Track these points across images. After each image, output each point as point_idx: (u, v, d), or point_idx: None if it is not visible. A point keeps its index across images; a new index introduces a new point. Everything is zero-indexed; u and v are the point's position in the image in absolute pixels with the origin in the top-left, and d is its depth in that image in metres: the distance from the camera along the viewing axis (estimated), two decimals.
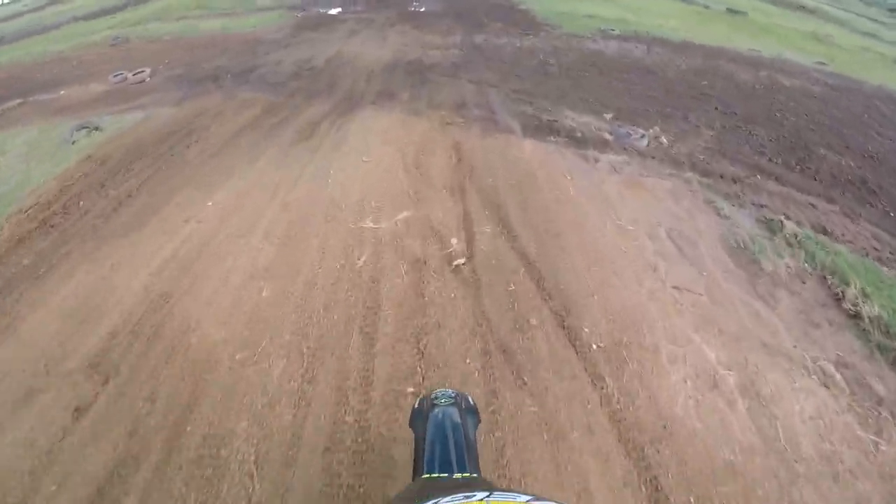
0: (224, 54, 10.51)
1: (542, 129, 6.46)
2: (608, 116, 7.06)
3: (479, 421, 1.50)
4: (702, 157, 6.26)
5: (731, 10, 16.21)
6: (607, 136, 6.34)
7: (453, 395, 1.46)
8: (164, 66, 10.00)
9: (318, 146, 5.92)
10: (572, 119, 6.86)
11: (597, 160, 5.68)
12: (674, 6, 17.49)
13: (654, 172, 5.60)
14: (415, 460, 1.28)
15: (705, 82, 9.13)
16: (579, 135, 6.29)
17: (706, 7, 16.69)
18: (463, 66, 9.12)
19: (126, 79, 9.33)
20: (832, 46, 13.46)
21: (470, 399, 1.52)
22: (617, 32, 12.53)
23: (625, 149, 6.05)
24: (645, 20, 14.32)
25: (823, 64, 11.19)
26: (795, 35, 14.27)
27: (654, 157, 5.97)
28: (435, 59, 9.50)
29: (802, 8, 20.79)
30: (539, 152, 5.79)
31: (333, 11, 15.10)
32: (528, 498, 0.70)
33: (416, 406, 1.50)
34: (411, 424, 1.46)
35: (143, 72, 9.50)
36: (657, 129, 6.82)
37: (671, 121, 7.22)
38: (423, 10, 15.55)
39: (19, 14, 18.83)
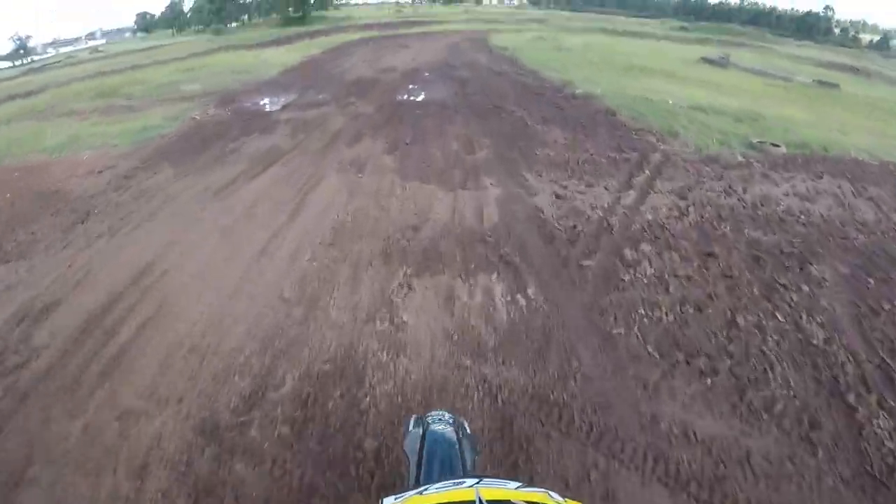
0: None
1: None
2: None
3: (479, 452, 1.31)
4: None
5: (821, 83, 12.21)
6: None
7: (450, 419, 1.23)
8: None
9: None
10: None
11: None
12: (751, 81, 11.92)
13: None
14: (409, 483, 1.05)
15: None
16: None
17: (786, 80, 12.20)
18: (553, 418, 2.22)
19: None
20: None
21: (467, 426, 1.25)
22: (783, 150, 5.83)
23: None
24: (759, 109, 7.89)
25: None
26: None
27: None
28: (427, 338, 2.62)
29: (856, 70, 16.92)
30: None
31: (273, 105, 8.54)
32: (517, 485, 0.67)
33: (410, 427, 1.24)
34: (405, 446, 1.22)
35: None
36: None
37: None
38: (420, 99, 8.96)
39: None
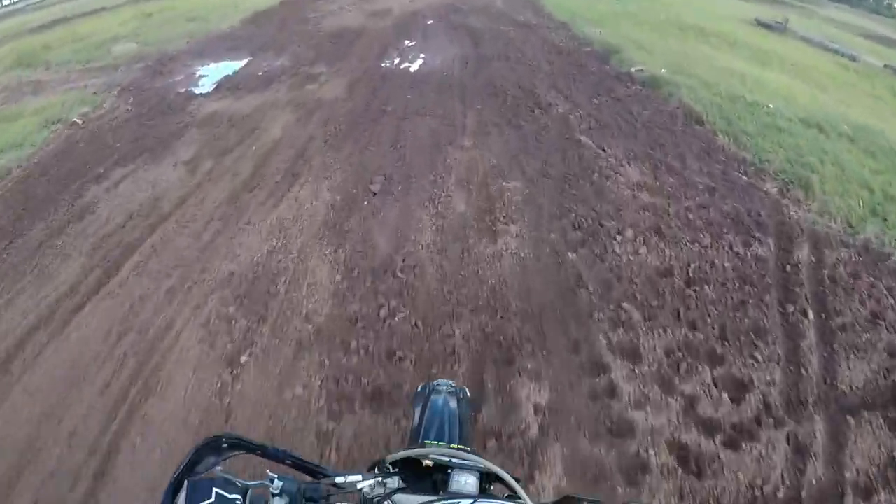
0: None
1: None
2: None
3: (472, 413, 1.50)
4: None
5: (892, 69, 10.16)
6: None
7: (453, 386, 1.33)
8: None
9: None
10: None
11: None
12: (818, 58, 9.78)
13: None
14: (412, 434, 1.18)
15: None
16: None
17: (853, 59, 10.31)
18: None
19: None
20: None
21: (467, 391, 1.40)
22: None
23: None
24: (875, 124, 5.09)
25: None
26: None
27: None
28: None
29: None
30: None
31: (204, 83, 5.81)
32: None
33: (419, 389, 1.38)
34: (413, 405, 1.34)
35: None
36: None
37: None
38: (414, 69, 6.09)
39: None
